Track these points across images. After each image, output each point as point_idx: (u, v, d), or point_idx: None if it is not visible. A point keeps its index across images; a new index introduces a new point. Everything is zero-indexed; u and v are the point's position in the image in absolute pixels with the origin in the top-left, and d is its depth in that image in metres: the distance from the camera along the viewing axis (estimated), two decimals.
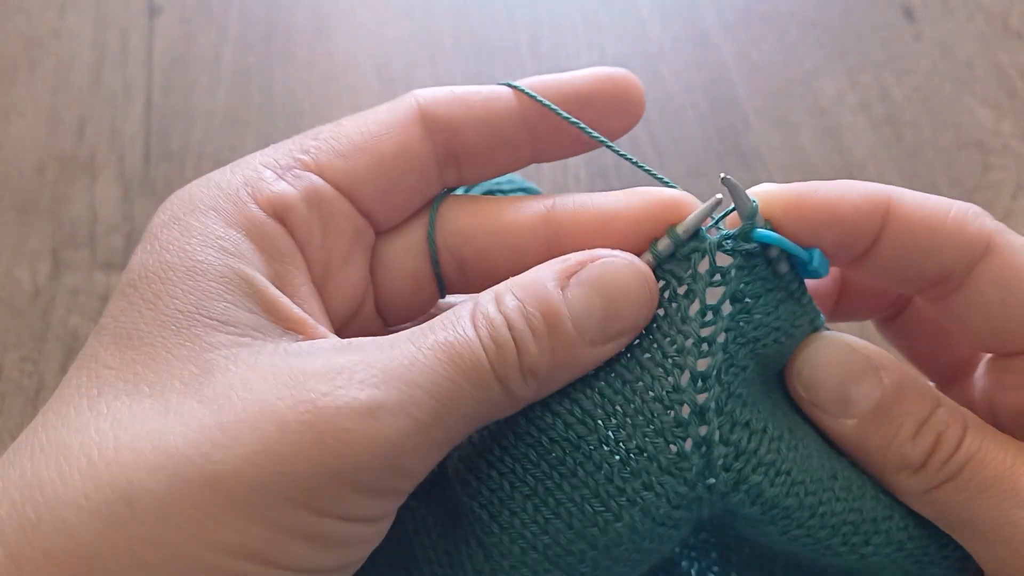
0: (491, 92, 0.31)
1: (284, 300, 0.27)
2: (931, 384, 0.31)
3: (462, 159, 0.32)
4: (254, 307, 0.27)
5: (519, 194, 0.49)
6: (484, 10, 0.69)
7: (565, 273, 0.27)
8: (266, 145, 0.31)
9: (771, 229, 0.28)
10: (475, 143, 0.31)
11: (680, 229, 0.28)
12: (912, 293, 0.31)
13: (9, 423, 0.51)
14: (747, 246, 0.28)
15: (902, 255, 0.29)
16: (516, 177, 0.50)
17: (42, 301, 0.55)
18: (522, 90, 0.31)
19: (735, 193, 0.28)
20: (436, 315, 0.30)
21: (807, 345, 0.31)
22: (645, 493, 0.27)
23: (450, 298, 0.34)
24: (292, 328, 0.27)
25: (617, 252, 0.28)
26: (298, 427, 0.23)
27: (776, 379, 0.31)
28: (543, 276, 0.28)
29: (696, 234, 0.28)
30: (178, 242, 0.27)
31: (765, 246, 0.28)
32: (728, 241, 0.28)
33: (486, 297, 0.27)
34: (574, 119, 0.31)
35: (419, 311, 0.33)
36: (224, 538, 0.23)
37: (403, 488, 0.26)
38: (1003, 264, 0.28)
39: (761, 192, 0.29)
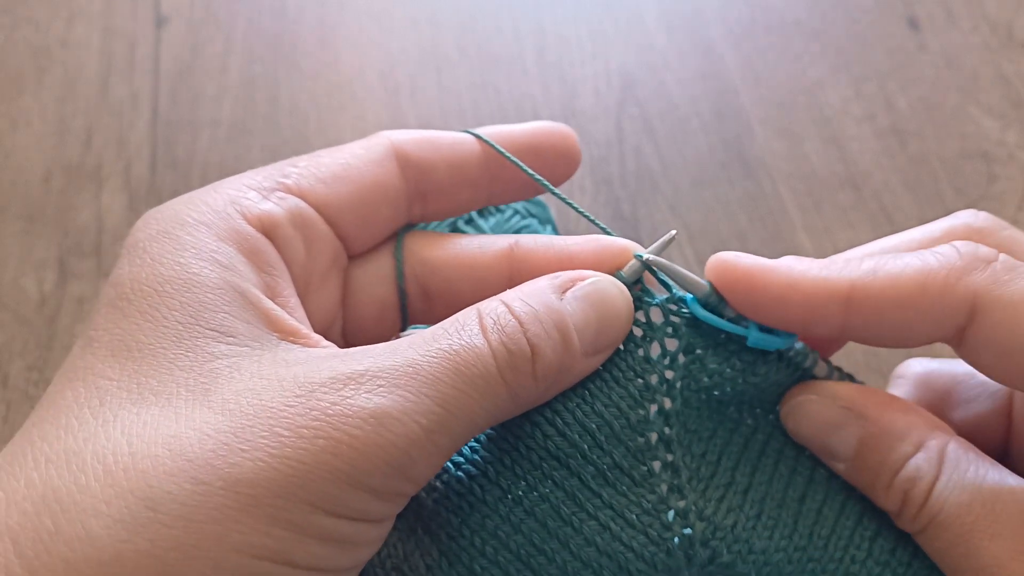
0: (457, 137, 0.34)
1: (279, 311, 0.28)
2: (924, 417, 0.31)
3: (429, 196, 0.34)
4: (251, 318, 0.27)
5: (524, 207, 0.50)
6: (489, 21, 0.69)
7: (561, 288, 0.29)
8: (272, 155, 0.31)
9: (716, 295, 0.31)
10: (443, 182, 0.34)
11: (645, 257, 0.31)
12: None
13: (15, 431, 0.51)
14: (689, 313, 0.31)
15: (877, 334, 0.30)
16: None
17: (48, 310, 0.55)
18: (482, 138, 0.34)
19: (676, 277, 0.31)
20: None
21: (789, 398, 0.32)
22: (619, 497, 0.29)
23: (411, 329, 0.35)
24: (289, 337, 0.27)
25: (601, 273, 0.30)
26: (311, 433, 0.24)
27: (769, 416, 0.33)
28: (544, 288, 0.29)
29: (648, 270, 0.31)
30: (171, 255, 0.27)
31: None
32: (673, 306, 0.31)
33: (492, 304, 0.28)
34: (527, 167, 0.34)
35: (382, 338, 0.34)
36: (246, 540, 0.23)
37: (409, 491, 0.26)
38: (992, 327, 0.28)
39: (715, 262, 0.30)
